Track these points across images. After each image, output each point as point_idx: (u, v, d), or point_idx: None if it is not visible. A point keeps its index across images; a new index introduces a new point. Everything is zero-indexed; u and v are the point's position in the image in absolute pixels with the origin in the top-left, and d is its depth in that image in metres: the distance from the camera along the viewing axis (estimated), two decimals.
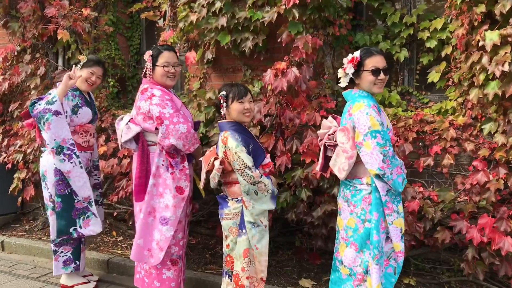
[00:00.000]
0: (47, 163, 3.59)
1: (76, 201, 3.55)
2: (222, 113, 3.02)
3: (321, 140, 3.13)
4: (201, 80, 4.59)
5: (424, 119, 3.62)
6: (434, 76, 3.83)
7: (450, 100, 3.73)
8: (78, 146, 3.56)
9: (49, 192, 3.62)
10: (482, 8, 3.24)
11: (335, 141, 2.83)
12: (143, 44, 5.57)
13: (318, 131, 3.10)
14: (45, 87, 5.07)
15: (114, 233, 4.89)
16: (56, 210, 3.55)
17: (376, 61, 2.77)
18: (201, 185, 3.04)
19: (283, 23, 3.80)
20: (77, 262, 3.71)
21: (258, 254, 2.91)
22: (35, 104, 3.43)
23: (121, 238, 4.85)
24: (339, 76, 2.79)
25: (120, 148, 3.43)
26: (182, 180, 3.24)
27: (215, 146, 3.20)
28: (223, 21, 3.96)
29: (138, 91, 3.36)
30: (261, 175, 2.87)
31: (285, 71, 3.60)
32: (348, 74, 2.74)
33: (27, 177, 5.06)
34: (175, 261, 3.33)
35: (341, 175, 2.78)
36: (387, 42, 4.01)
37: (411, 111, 3.89)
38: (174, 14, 4.60)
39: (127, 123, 3.28)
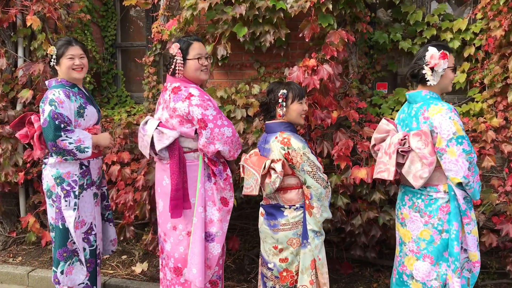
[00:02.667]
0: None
1: (69, 240, 3.02)
2: (281, 113, 2.71)
3: (375, 144, 2.91)
4: None
5: None
6: (459, 76, 3.75)
7: (477, 101, 3.69)
8: None
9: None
10: None
11: (409, 146, 2.60)
12: (119, 35, 4.96)
13: (374, 135, 2.86)
14: (5, 83, 4.29)
15: None
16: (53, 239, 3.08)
17: (453, 59, 2.61)
18: (255, 192, 2.68)
19: (304, 17, 3.50)
20: (95, 287, 3.16)
21: (320, 265, 2.68)
22: (62, 134, 2.83)
23: (108, 256, 4.25)
24: (426, 74, 2.53)
25: (147, 157, 2.91)
26: (226, 190, 2.83)
27: (256, 149, 2.85)
28: (241, 9, 3.53)
29: (164, 90, 2.88)
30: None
31: (315, 68, 3.32)
32: (437, 71, 2.52)
33: None
34: (214, 282, 2.91)
35: (418, 183, 2.56)
36: (408, 41, 3.87)
37: None
38: (169, 3, 4.11)
39: (156, 128, 2.80)
